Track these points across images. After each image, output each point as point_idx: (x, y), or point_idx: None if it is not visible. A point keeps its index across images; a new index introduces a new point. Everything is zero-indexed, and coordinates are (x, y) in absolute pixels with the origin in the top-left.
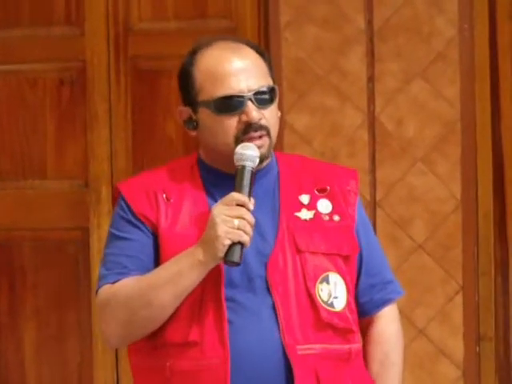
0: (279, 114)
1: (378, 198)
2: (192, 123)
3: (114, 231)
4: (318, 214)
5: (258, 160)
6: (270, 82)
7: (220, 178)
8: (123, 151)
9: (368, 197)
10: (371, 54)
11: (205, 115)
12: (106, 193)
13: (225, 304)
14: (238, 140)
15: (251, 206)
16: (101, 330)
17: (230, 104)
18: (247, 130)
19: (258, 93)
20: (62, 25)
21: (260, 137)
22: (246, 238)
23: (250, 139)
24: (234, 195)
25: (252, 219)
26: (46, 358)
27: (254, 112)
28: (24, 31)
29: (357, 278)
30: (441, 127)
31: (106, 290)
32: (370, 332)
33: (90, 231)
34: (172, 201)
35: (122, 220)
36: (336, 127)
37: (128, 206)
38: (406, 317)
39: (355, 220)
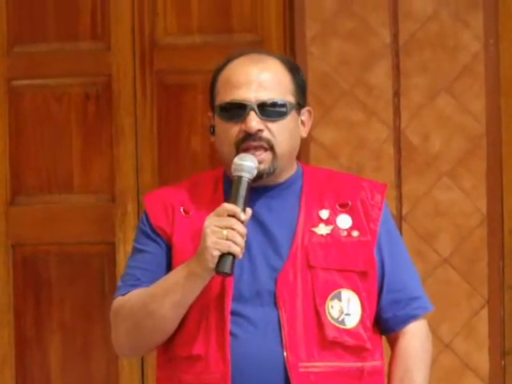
0: (304, 134)
1: (403, 213)
2: (211, 128)
3: (135, 244)
4: (336, 230)
5: (255, 171)
6: (289, 99)
7: None
8: (149, 165)
9: (394, 211)
10: (397, 69)
11: (216, 121)
12: (131, 207)
13: (229, 318)
14: (238, 148)
15: (243, 217)
16: (112, 341)
17: (232, 111)
18: (245, 139)
19: (264, 104)
20: (88, 39)
21: (260, 148)
22: (235, 249)
23: (247, 149)
24: (225, 206)
25: (243, 230)
26: (71, 372)
27: (253, 122)
28: (50, 46)
29: (379, 295)
30: (466, 142)
31: (118, 301)
32: (394, 348)
33: (116, 245)
34: (191, 214)
35: (142, 233)
36: (362, 141)
37: (147, 219)
38: (431, 331)
39: (377, 235)
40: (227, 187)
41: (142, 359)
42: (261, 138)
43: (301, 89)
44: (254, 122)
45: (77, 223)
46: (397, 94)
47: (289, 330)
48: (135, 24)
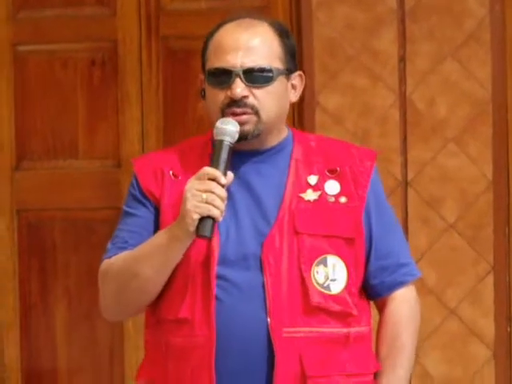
0: (294, 99)
1: (409, 178)
2: (202, 92)
3: (124, 207)
4: (323, 196)
5: (237, 135)
6: (276, 64)
7: None
8: (154, 131)
9: (399, 177)
10: (403, 34)
11: (205, 86)
12: None
13: (214, 282)
14: (223, 114)
15: (224, 180)
16: (99, 303)
17: (218, 77)
18: (230, 105)
19: (249, 70)
20: (93, 5)
21: (244, 114)
22: (215, 212)
23: (232, 114)
24: (206, 169)
25: (223, 193)
26: (76, 337)
27: (238, 89)
28: (55, 11)
29: (366, 261)
30: (472, 108)
31: (105, 264)
32: (382, 314)
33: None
34: (180, 178)
35: (131, 196)
36: (367, 107)
37: (137, 182)
38: (436, 297)
39: (364, 201)
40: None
41: None
42: (245, 104)
43: (290, 53)
44: (239, 88)
45: (82, 189)
46: (402, 59)
47: (273, 295)
48: None
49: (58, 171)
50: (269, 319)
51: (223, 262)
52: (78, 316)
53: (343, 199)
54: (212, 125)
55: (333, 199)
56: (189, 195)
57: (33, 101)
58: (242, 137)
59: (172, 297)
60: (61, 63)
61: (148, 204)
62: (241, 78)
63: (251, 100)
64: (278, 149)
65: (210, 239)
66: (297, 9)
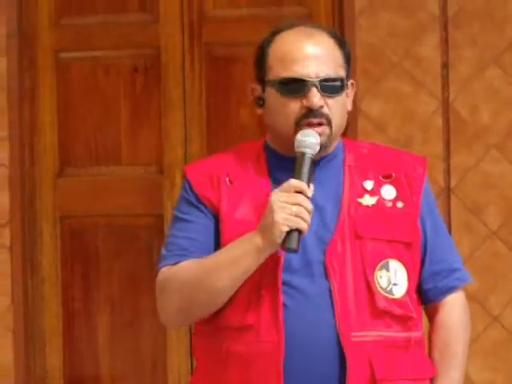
0: (349, 107)
1: (452, 185)
2: (260, 101)
3: (177, 213)
4: (381, 200)
5: (318, 147)
6: (342, 73)
7: (284, 162)
8: (197, 137)
9: (442, 183)
10: (445, 41)
11: (270, 94)
12: (180, 179)
13: (281, 288)
14: (298, 124)
15: (310, 193)
16: (158, 310)
17: (293, 86)
18: (307, 115)
19: (324, 80)
20: (136, 11)
21: (319, 124)
22: (303, 225)
23: (309, 125)
24: (292, 182)
25: (310, 206)
26: (119, 344)
27: (316, 98)
28: (99, 18)
29: (421, 266)
30: None
31: (165, 271)
32: (434, 319)
33: (165, 217)
34: (235, 184)
35: (186, 202)
36: (410, 114)
37: (191, 189)
38: (479, 304)
39: (419, 207)
40: (270, 158)
41: (190, 331)
42: (322, 114)
43: (348, 62)
44: (316, 98)
45: (125, 195)
46: (445, 66)
47: (340, 300)
48: None
49: (101, 178)
50: (337, 324)
51: (287, 269)
52: (120, 323)
53: (400, 204)
54: (273, 133)
55: (390, 204)
56: (276, 207)
57: (76, 107)
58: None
59: (236, 304)
60: (103, 70)
61: (205, 210)
62: (317, 88)
63: (325, 110)
64: (331, 156)
65: (296, 252)
66: (339, 15)
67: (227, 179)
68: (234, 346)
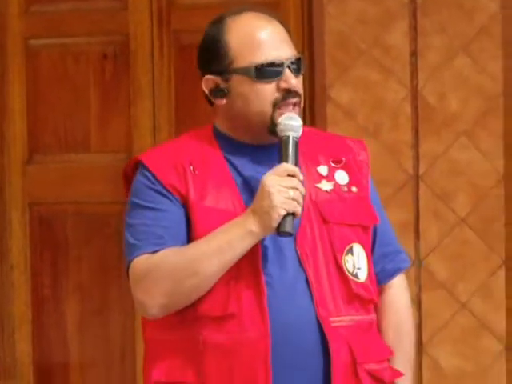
0: None
1: (420, 172)
2: (220, 92)
3: (139, 201)
4: (337, 185)
5: (301, 130)
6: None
7: (240, 148)
8: (166, 124)
9: (411, 170)
10: (414, 29)
11: (239, 82)
12: None
13: (263, 277)
14: (275, 106)
15: (301, 177)
16: (138, 301)
17: (270, 71)
18: (286, 97)
19: (293, 61)
20: None
21: (294, 105)
22: (299, 209)
23: (288, 105)
24: (285, 166)
25: (303, 190)
26: (88, 331)
27: (293, 79)
28: (68, 5)
29: (371, 249)
30: (483, 102)
31: (144, 260)
32: (383, 301)
33: None
34: (198, 172)
35: (150, 190)
36: (379, 101)
37: (155, 177)
38: (448, 291)
39: (369, 191)
40: (223, 145)
41: None
42: (297, 94)
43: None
44: (293, 79)
45: (94, 182)
46: (414, 53)
47: (316, 286)
48: None
49: (70, 165)
50: (317, 310)
51: (263, 257)
52: (89, 310)
53: (354, 188)
54: (239, 121)
55: (346, 189)
56: (274, 191)
57: (45, 94)
58: None
59: (213, 294)
60: (73, 57)
61: (174, 199)
62: (290, 69)
63: (299, 89)
64: None
65: (291, 235)
66: (308, 3)
67: (191, 167)
68: (212, 337)
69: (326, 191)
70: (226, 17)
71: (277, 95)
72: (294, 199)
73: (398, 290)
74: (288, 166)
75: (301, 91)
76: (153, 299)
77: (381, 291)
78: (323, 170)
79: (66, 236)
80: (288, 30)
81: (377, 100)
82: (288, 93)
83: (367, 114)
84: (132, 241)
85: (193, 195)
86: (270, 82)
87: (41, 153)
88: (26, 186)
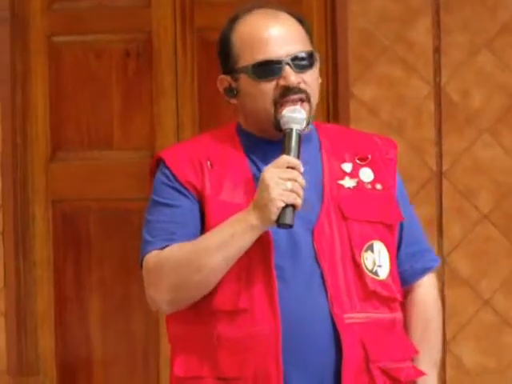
0: (320, 80)
1: (444, 169)
2: (232, 91)
3: (158, 198)
4: (360, 183)
5: (305, 123)
6: (309, 48)
7: (260, 145)
8: (190, 122)
9: (434, 167)
10: (437, 26)
11: (244, 82)
12: None
13: (274, 272)
14: (277, 104)
15: (302, 169)
16: (148, 296)
17: (268, 69)
18: (285, 94)
19: (295, 58)
20: None
21: (300, 100)
22: (298, 201)
23: (289, 102)
24: (285, 158)
25: (303, 182)
26: (111, 328)
27: (292, 77)
28: (90, 2)
29: (397, 247)
30: (507, 99)
31: (154, 255)
32: (411, 300)
33: None
34: (216, 167)
35: (167, 187)
36: (402, 98)
37: (173, 174)
38: (471, 288)
39: (396, 189)
40: (245, 141)
41: None
42: (300, 90)
43: (312, 38)
44: (292, 76)
45: (117, 180)
46: (437, 50)
47: (332, 282)
48: None
49: (93, 162)
50: (330, 306)
51: (276, 251)
52: (112, 307)
53: (379, 186)
54: (251, 120)
55: (370, 186)
56: (272, 183)
57: (68, 92)
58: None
59: (226, 287)
60: (96, 54)
61: (189, 195)
62: (290, 66)
63: (303, 86)
64: (307, 137)
65: (291, 227)
66: (331, 1)
67: (208, 163)
68: (225, 331)
69: (349, 188)
70: (237, 15)
71: (276, 93)
72: (292, 191)
73: (427, 289)
74: (288, 158)
75: (307, 87)
76: (161, 294)
77: (409, 290)
78: (347, 167)
79: (88, 233)
80: (306, 26)
81: (400, 97)
82: (287, 90)
83: (390, 110)
84: (146, 237)
85: (208, 190)
86: (270, 81)
87: (64, 150)
88: (49, 183)
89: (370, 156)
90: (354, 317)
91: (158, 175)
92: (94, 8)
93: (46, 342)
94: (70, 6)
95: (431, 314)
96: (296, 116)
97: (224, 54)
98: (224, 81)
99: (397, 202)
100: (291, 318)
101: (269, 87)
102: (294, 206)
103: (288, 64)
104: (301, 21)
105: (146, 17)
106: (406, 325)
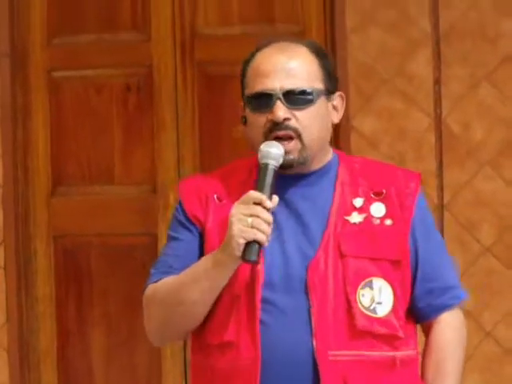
0: (336, 120)
1: (445, 202)
2: (243, 119)
3: (168, 231)
4: (368, 218)
5: (281, 159)
6: (316, 85)
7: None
8: (190, 157)
9: (435, 200)
10: (437, 58)
11: (247, 111)
12: (173, 198)
13: (259, 305)
14: (266, 138)
15: (269, 204)
16: (145, 328)
17: (259, 101)
18: (272, 129)
19: (289, 92)
20: (128, 30)
21: (289, 138)
22: (260, 236)
23: (275, 138)
24: (251, 193)
25: (269, 218)
26: (114, 363)
27: (280, 112)
28: (90, 37)
29: (413, 283)
30: (508, 131)
31: (149, 288)
32: (428, 338)
33: (158, 237)
34: (224, 202)
35: (176, 221)
36: (402, 131)
37: (182, 207)
38: (474, 320)
39: (410, 224)
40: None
41: (185, 349)
42: (287, 127)
43: (330, 74)
44: (281, 111)
45: (118, 215)
46: (437, 83)
47: (318, 317)
48: (175, 14)
49: (94, 197)
50: (314, 342)
51: (268, 285)
52: (115, 342)
53: (388, 221)
54: (254, 151)
55: (378, 221)
56: (234, 220)
57: (68, 126)
58: (288, 165)
59: (216, 321)
60: (96, 89)
61: (193, 228)
62: (281, 101)
63: (293, 123)
64: (322, 171)
65: (255, 264)
66: (331, 33)
67: (215, 196)
68: (217, 363)
69: (354, 223)
70: (259, 46)
71: (265, 126)
72: (253, 227)
73: (446, 326)
74: (254, 194)
75: (298, 124)
76: (152, 326)
77: (428, 328)
78: (359, 201)
79: (90, 268)
80: (324, 62)
81: (400, 129)
82: (274, 125)
83: (391, 143)
84: (151, 269)
85: (210, 223)
86: (263, 113)
87: (65, 185)
88: (51, 218)
89: (384, 191)
90: (339, 354)
91: (176, 207)
92: (93, 42)
93: (48, 377)
94: (70, 41)
95: (444, 355)
96: (271, 151)
97: (241, 83)
98: (240, 108)
99: (407, 237)
100: (273, 352)
101: (261, 120)
102: (259, 243)
103: (279, 98)
104: (321, 56)
105: (146, 51)
106: (422, 363)
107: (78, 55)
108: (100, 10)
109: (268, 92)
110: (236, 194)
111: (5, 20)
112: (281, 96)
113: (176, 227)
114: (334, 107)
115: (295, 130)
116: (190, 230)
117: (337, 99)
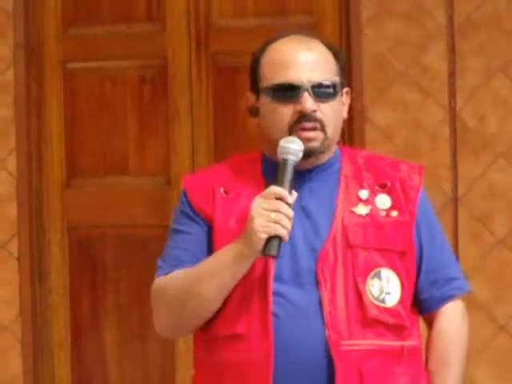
0: (345, 115)
1: (459, 194)
2: (254, 110)
3: (173, 225)
4: (374, 210)
5: (301, 154)
6: (335, 79)
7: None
8: (205, 148)
9: (449, 193)
10: (452, 50)
11: (264, 102)
12: None
13: (271, 298)
14: (291, 129)
15: (290, 200)
16: (154, 321)
17: (286, 92)
18: (300, 120)
19: (317, 85)
20: (143, 21)
21: (313, 129)
22: (282, 232)
23: (302, 129)
24: (273, 189)
25: (290, 213)
26: (127, 355)
27: (308, 103)
28: (105, 28)
29: (417, 275)
30: None
31: (159, 281)
32: (430, 329)
33: None
34: (230, 195)
35: (182, 214)
36: (417, 123)
37: (187, 200)
38: (487, 313)
39: (415, 216)
40: (266, 168)
41: None
42: (315, 119)
43: (343, 69)
44: (309, 102)
45: (132, 206)
46: (452, 75)
47: (330, 308)
48: (190, 6)
49: (109, 188)
50: (327, 333)
51: (278, 278)
52: (128, 334)
53: (394, 213)
54: (267, 141)
55: (384, 213)
56: (256, 214)
57: (83, 118)
58: (308, 153)
59: (227, 313)
60: (111, 80)
61: (200, 221)
62: (309, 93)
63: (319, 114)
64: (327, 165)
65: (276, 258)
66: (346, 25)
67: (222, 189)
68: (226, 356)
69: (361, 215)
70: (272, 38)
71: (292, 118)
72: (275, 222)
73: (447, 318)
74: (275, 189)
75: (324, 117)
76: (162, 320)
77: (430, 319)
78: (364, 194)
79: (104, 259)
80: (338, 57)
81: (415, 121)
82: (302, 116)
83: (405, 135)
84: (158, 262)
85: (218, 216)
86: (287, 104)
87: (79, 176)
88: (65, 209)
89: (389, 183)
90: (352, 344)
91: (179, 200)
92: (108, 34)
93: (62, 368)
94: (85, 32)
95: (446, 345)
96: (290, 147)
97: (251, 74)
98: (249, 99)
99: (412, 229)
100: (285, 344)
101: (286, 111)
102: (279, 237)
103: (307, 90)
104: (334, 52)
105: (160, 42)
106: (425, 354)
107: (93, 46)
108: (115, 1)
109: (296, 83)
110: (242, 186)
111: (20, 11)
112: (309, 88)
113: (182, 220)
114: (342, 102)
115: (321, 122)
116: (197, 223)
117: (344, 95)
